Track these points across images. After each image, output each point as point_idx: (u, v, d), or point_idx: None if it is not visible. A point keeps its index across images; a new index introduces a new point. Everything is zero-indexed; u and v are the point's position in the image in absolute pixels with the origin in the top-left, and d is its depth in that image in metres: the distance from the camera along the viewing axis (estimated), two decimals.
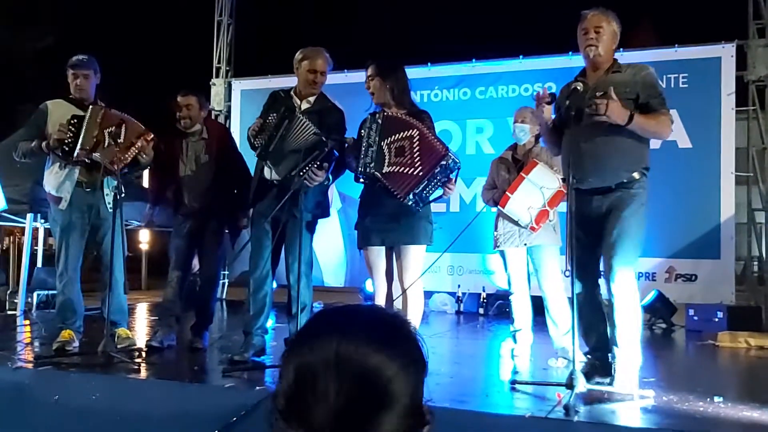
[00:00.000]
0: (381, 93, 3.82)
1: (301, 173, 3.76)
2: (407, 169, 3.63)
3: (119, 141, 4.19)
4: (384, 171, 3.66)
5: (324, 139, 3.78)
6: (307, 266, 4.04)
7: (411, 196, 3.59)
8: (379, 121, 3.74)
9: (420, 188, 3.59)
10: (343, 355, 0.83)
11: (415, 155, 3.63)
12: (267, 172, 4.05)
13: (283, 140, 3.84)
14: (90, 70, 4.38)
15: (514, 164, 4.62)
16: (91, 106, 4.25)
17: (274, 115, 3.90)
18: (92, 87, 4.42)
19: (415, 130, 3.65)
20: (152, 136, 4.29)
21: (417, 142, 3.64)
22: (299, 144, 3.84)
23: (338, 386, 0.81)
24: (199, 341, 4.55)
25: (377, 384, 0.82)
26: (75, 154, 4.14)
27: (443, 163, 3.58)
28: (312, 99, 4.08)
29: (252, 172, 4.37)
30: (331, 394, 0.81)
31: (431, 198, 3.67)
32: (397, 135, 3.68)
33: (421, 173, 3.59)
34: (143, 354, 4.25)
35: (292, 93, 4.13)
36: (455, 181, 3.72)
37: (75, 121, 4.17)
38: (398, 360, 0.84)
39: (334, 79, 8.38)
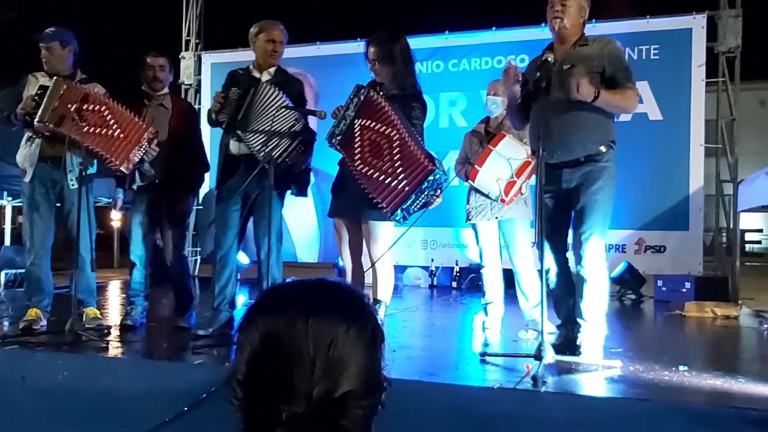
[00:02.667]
0: (382, 76, 3.77)
1: (287, 159, 3.75)
2: (390, 179, 3.46)
3: (115, 132, 4.02)
4: (360, 168, 3.54)
5: (293, 108, 3.80)
6: (278, 240, 4.04)
7: (399, 212, 3.46)
8: (361, 97, 3.62)
9: (407, 204, 3.44)
10: (309, 321, 0.83)
11: (396, 163, 3.46)
12: (234, 147, 4.00)
13: (250, 110, 3.82)
14: (54, 42, 4.22)
15: (486, 137, 4.62)
16: (54, 78, 4.12)
17: (236, 89, 3.87)
18: (63, 60, 4.25)
19: (395, 131, 3.49)
20: (155, 131, 4.14)
21: (397, 149, 3.48)
22: (268, 114, 3.81)
23: (310, 351, 0.82)
24: (182, 320, 4.46)
25: (342, 348, 0.83)
26: (34, 126, 4.04)
27: (431, 178, 3.42)
28: (272, 71, 4.08)
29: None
30: (306, 360, 0.81)
31: (418, 209, 3.53)
32: (373, 124, 3.55)
33: (407, 188, 3.43)
34: (111, 332, 4.21)
35: (250, 68, 4.13)
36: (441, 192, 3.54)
37: (41, 92, 4.06)
38: (357, 324, 0.86)
39: (307, 51, 8.38)
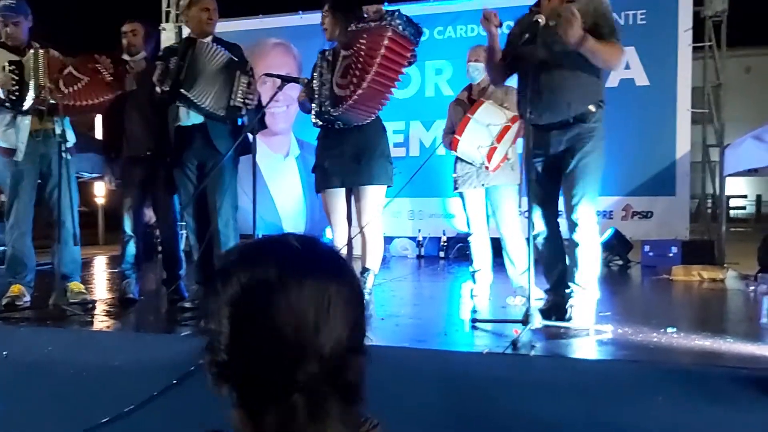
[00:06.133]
0: (333, 29, 3.74)
1: (239, 99, 3.76)
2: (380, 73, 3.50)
3: (81, 84, 4.05)
4: (345, 94, 3.54)
5: (235, 58, 3.83)
6: (233, 210, 3.99)
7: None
8: (329, 58, 3.68)
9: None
10: (303, 277, 0.79)
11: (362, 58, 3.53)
12: (184, 116, 3.94)
13: (192, 69, 3.80)
14: (20, 16, 4.13)
15: (469, 105, 4.57)
16: (32, 50, 4.02)
17: (174, 58, 3.86)
18: (24, 32, 4.17)
19: (362, 39, 3.56)
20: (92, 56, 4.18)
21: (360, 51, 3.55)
22: (211, 67, 3.82)
23: (310, 309, 0.78)
24: (178, 294, 4.32)
25: (336, 304, 0.80)
26: (27, 103, 3.95)
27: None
28: (209, 40, 4.00)
29: None
30: (309, 318, 0.77)
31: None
32: (346, 62, 3.59)
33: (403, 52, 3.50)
34: (97, 307, 4.16)
35: (184, 39, 4.09)
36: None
37: (13, 67, 3.96)
38: (344, 278, 0.83)
39: (289, 21, 8.24)
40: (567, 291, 3.48)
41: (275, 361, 0.77)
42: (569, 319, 3.39)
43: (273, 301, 0.78)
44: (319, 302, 0.79)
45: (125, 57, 4.42)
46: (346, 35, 3.68)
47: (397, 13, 3.47)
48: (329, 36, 3.76)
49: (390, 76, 3.55)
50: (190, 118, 3.92)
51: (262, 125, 4.12)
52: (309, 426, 0.75)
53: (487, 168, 4.31)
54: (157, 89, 3.90)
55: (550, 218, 3.56)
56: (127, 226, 4.38)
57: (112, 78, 4.15)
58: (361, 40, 3.53)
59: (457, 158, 4.56)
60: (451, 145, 4.40)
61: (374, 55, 3.45)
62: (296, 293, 0.78)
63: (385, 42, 3.42)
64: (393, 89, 3.64)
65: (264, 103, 4.03)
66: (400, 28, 3.45)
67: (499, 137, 4.23)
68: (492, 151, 4.26)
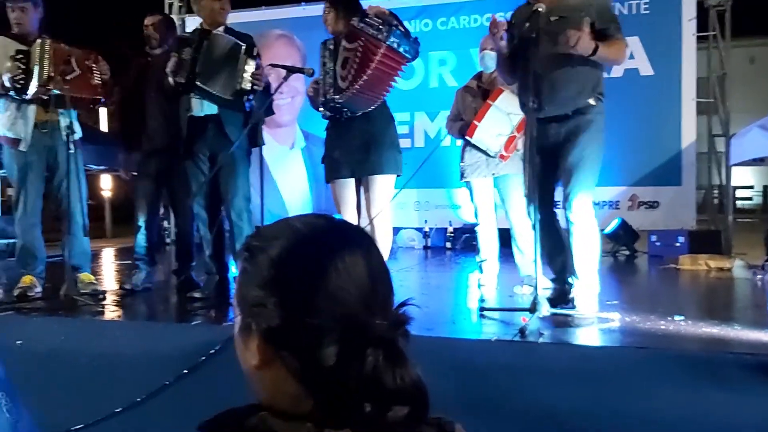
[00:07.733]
0: (335, 24, 3.77)
1: (245, 80, 3.78)
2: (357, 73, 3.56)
3: (74, 75, 4.06)
4: (361, 80, 3.56)
5: (240, 43, 3.84)
6: (247, 201, 3.99)
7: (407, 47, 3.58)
8: (331, 47, 3.73)
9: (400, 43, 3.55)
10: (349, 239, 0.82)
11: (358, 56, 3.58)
12: (197, 107, 3.94)
13: (207, 61, 3.82)
14: (27, 3, 4.13)
15: (479, 92, 4.57)
16: (39, 39, 4.04)
17: (188, 49, 3.87)
18: (33, 21, 4.17)
19: (360, 40, 3.59)
20: (95, 54, 4.21)
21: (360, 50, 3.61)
22: (222, 55, 3.85)
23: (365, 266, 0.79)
24: (190, 283, 4.37)
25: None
26: (31, 92, 3.97)
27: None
28: (221, 30, 4.01)
29: None
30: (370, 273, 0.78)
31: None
32: (345, 54, 3.64)
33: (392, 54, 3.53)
34: (107, 297, 4.19)
35: (198, 29, 4.09)
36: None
37: (21, 56, 3.97)
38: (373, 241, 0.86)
39: (292, 12, 8.23)
40: (570, 280, 3.50)
41: (343, 320, 0.75)
42: (573, 309, 3.41)
43: (325, 264, 0.77)
44: (365, 260, 0.79)
45: (147, 50, 4.46)
46: (348, 27, 3.69)
47: (394, 28, 3.50)
48: (331, 30, 3.79)
49: (386, 79, 3.65)
50: (203, 108, 3.93)
51: (268, 111, 4.14)
52: (388, 372, 0.73)
53: (502, 157, 4.31)
54: (170, 80, 3.89)
55: (548, 208, 3.57)
56: (141, 217, 4.41)
57: (99, 83, 4.16)
58: (360, 41, 3.58)
59: (466, 147, 4.56)
60: (466, 130, 4.39)
61: (368, 64, 3.53)
62: (344, 253, 0.78)
63: (378, 57, 3.52)
64: (396, 79, 3.70)
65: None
66: (395, 45, 3.52)
67: (519, 127, 4.22)
68: (511, 140, 4.26)
